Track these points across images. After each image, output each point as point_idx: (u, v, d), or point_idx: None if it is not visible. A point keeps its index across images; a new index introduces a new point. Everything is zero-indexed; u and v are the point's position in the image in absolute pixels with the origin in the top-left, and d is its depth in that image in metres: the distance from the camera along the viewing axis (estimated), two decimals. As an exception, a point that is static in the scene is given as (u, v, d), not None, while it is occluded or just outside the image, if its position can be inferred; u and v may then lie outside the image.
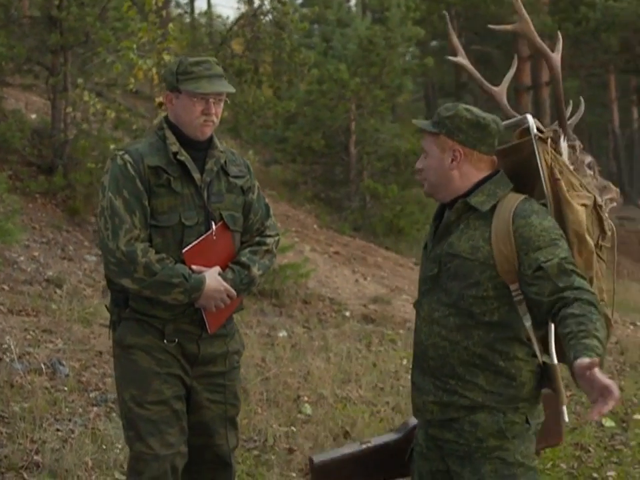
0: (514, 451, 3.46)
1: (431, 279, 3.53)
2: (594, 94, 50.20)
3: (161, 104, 10.86)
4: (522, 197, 3.48)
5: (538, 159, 3.51)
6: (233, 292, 4.00)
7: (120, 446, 5.75)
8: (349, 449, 4.08)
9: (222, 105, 4.09)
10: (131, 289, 3.94)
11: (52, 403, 6.29)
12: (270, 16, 11.52)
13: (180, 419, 4.03)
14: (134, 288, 3.92)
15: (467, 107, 3.51)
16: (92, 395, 6.65)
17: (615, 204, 3.90)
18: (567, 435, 7.07)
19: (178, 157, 4.00)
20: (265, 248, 4.18)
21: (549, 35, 26.49)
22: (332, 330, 9.30)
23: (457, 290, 3.43)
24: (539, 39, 3.66)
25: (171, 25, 10.81)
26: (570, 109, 4.00)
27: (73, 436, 5.82)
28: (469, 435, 3.45)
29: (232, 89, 4.11)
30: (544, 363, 3.53)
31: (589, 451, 6.79)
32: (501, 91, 4.05)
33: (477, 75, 4.03)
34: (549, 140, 3.56)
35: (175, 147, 4.01)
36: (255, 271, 4.09)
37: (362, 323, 10.49)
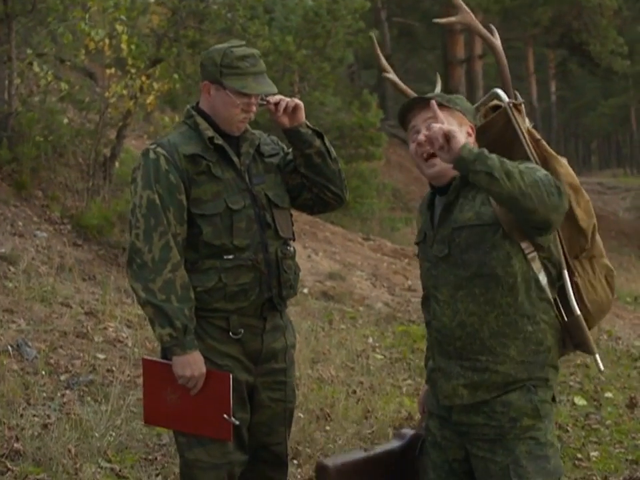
0: (545, 431, 3.41)
1: (442, 260, 3.46)
2: (510, 66, 50.74)
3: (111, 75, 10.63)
4: None
5: (516, 124, 3.53)
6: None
7: (100, 433, 5.58)
8: (355, 454, 3.92)
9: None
10: (136, 296, 3.75)
11: (23, 387, 6.09)
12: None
13: (241, 427, 3.82)
14: (139, 296, 3.70)
15: None
16: (62, 377, 6.46)
17: None
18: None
19: (215, 141, 3.82)
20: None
21: (485, 9, 26.63)
22: (293, 308, 9.15)
23: (475, 258, 3.37)
24: (482, 28, 3.74)
25: (121, -6, 10.46)
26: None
27: (50, 421, 5.63)
28: (501, 416, 3.38)
29: (276, 89, 3.92)
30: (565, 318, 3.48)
31: (568, 431, 6.80)
32: None
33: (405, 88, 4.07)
34: (521, 106, 3.61)
35: (209, 132, 3.83)
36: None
37: (321, 300, 10.36)
